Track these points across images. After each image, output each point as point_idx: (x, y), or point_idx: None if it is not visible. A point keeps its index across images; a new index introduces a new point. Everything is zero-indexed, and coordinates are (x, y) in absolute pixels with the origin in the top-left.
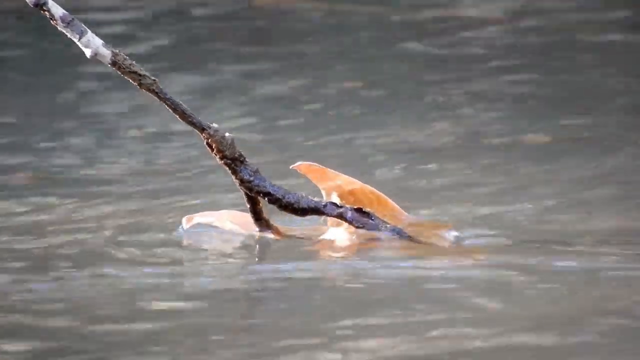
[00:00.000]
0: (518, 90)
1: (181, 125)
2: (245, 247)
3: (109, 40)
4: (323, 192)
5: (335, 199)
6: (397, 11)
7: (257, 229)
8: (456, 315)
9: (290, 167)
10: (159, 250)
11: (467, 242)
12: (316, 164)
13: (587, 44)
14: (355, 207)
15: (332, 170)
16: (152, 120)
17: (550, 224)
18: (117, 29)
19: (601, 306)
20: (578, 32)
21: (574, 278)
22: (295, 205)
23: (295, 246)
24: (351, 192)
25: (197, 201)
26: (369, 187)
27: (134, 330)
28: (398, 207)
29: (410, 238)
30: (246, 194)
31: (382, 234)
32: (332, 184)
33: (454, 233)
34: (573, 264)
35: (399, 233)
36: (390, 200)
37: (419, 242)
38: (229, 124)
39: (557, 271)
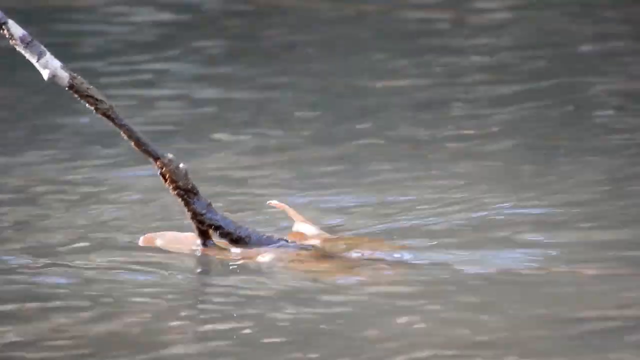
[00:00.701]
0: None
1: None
2: (190, 265)
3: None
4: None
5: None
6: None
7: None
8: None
9: (267, 203)
10: (112, 263)
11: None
12: (289, 208)
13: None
14: (306, 244)
15: (302, 219)
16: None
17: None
18: None
19: (554, 310)
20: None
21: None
22: (246, 240)
23: (235, 265)
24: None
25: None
26: (330, 239)
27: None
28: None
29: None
30: (197, 228)
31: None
32: (300, 228)
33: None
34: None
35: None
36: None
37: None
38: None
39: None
